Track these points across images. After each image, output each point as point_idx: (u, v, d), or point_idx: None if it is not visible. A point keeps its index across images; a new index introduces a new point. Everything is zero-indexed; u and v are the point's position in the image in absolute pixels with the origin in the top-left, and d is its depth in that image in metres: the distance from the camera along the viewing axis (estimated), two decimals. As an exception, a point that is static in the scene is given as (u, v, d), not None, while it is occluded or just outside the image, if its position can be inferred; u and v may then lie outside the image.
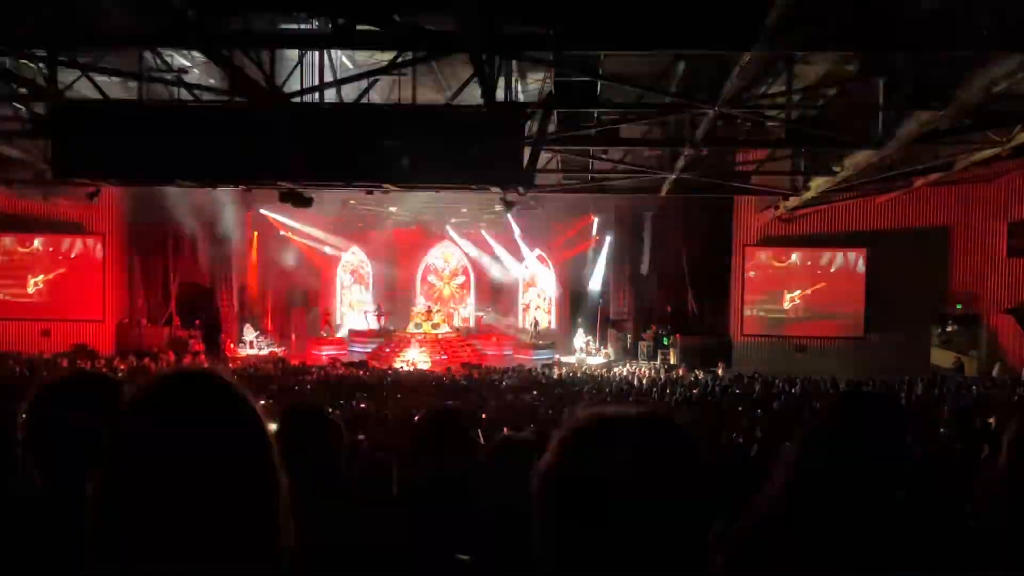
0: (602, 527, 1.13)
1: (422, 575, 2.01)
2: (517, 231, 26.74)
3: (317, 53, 11.53)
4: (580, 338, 26.96)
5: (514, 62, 10.88)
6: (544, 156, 13.97)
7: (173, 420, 1.17)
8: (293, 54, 11.49)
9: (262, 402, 1.28)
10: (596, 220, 26.93)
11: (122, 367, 20.09)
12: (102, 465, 1.16)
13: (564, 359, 26.13)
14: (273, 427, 1.27)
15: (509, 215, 20.00)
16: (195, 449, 1.15)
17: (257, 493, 1.19)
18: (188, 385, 1.23)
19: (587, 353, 26.65)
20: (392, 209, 26.01)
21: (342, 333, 28.46)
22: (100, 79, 11.69)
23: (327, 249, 28.59)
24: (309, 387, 18.19)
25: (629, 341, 27.42)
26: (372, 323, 28.24)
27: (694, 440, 1.25)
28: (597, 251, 27.65)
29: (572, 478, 1.17)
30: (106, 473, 1.16)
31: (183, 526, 1.12)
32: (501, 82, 10.40)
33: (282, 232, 27.23)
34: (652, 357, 25.68)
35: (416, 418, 3.35)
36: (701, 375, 21.68)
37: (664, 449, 1.19)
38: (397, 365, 24.62)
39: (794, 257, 24.13)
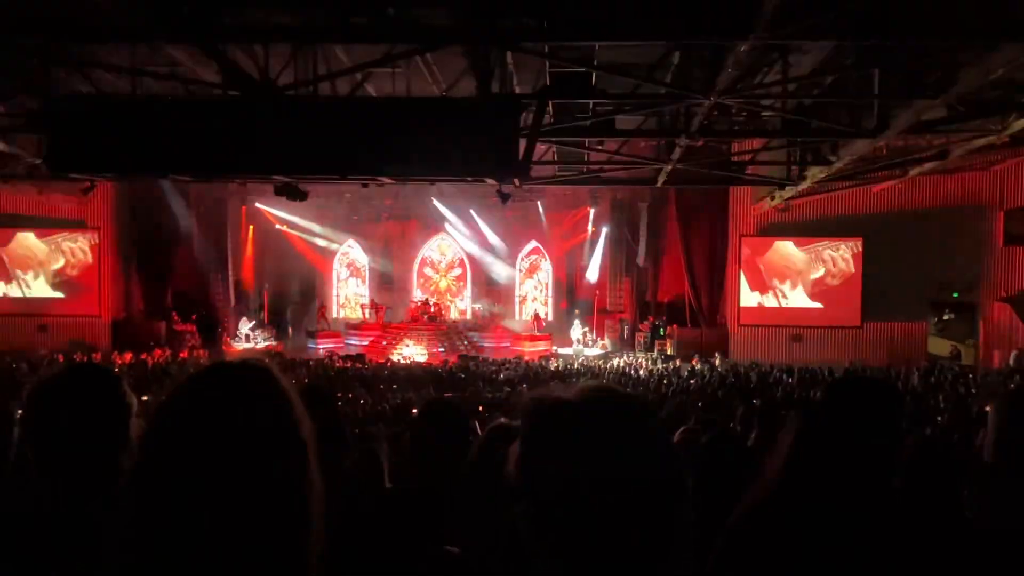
0: (575, 509, 1.14)
1: (411, 569, 2.01)
2: (513, 223, 26.72)
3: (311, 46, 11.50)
4: (577, 329, 26.97)
5: (509, 54, 10.86)
6: (540, 148, 13.96)
7: (215, 413, 1.15)
8: (287, 47, 11.46)
9: None
10: (592, 211, 26.91)
11: (119, 362, 20.10)
12: (138, 457, 1.15)
13: (561, 351, 26.14)
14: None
15: (505, 206, 19.97)
16: (233, 443, 1.13)
17: (294, 493, 1.17)
18: (227, 376, 1.21)
19: (584, 344, 26.66)
20: (388, 202, 25.97)
21: (339, 327, 28.45)
22: (93, 73, 11.66)
23: (323, 242, 28.56)
24: (306, 380, 18.18)
25: (626, 332, 27.43)
26: (369, 316, 28.23)
27: (651, 410, 1.26)
28: (593, 242, 27.66)
29: (538, 460, 1.18)
30: (141, 465, 1.14)
31: (215, 525, 1.09)
32: (496, 74, 10.39)
33: (278, 226, 27.21)
34: (649, 348, 25.69)
35: (415, 411, 3.36)
36: (698, 365, 21.72)
37: (623, 424, 1.20)
38: (394, 358, 24.64)
39: (790, 246, 24.14)
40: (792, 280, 24.20)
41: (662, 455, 1.20)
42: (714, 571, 2.07)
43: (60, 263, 24.97)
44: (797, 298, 24.25)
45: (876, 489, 2.02)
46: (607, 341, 27.24)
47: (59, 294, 24.91)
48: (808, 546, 1.91)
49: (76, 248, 24.92)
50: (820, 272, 24.03)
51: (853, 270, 23.84)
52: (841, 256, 23.93)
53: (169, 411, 1.18)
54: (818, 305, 23.99)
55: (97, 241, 24.82)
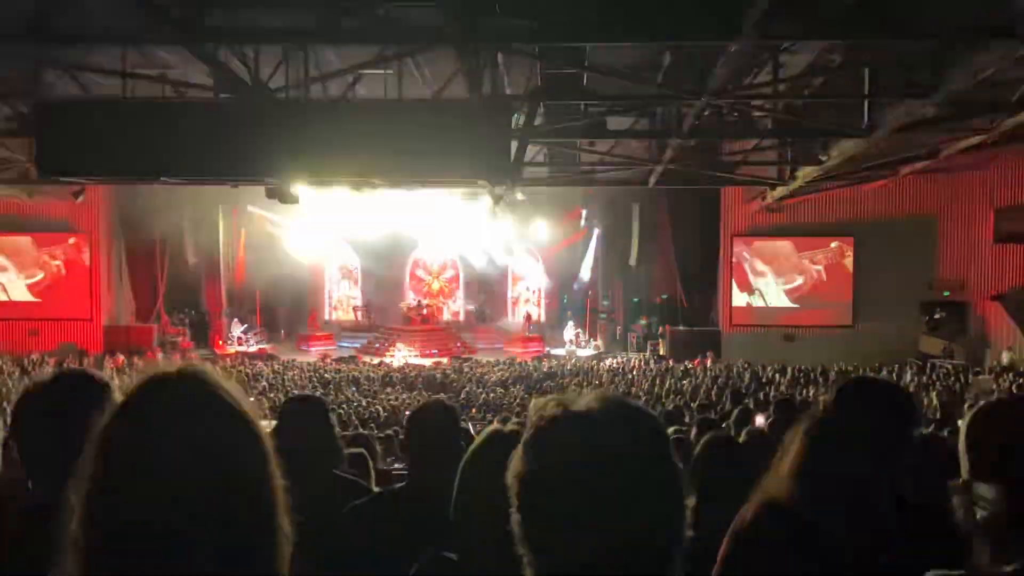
0: (577, 520, 1.12)
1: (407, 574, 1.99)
2: (505, 224, 26.67)
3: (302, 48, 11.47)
4: (570, 330, 26.95)
5: (500, 55, 10.85)
6: (531, 149, 13.96)
7: (152, 427, 1.10)
8: (277, 49, 11.43)
9: (251, 399, 1.23)
10: (584, 212, 26.90)
11: (111, 366, 20.04)
12: (84, 476, 1.10)
13: (554, 351, 26.14)
14: (267, 425, 1.21)
15: (497, 208, 19.94)
16: (176, 457, 1.08)
17: (250, 503, 1.12)
18: (166, 389, 1.15)
19: (577, 345, 26.66)
20: (380, 204, 25.85)
21: (331, 329, 28.38)
22: (83, 76, 11.61)
23: (315, 245, 28.44)
24: (299, 383, 18.15)
25: (619, 332, 27.43)
26: (362, 318, 28.18)
27: (659, 423, 1.24)
28: (586, 243, 27.64)
29: (543, 476, 1.16)
30: (88, 485, 1.09)
31: (167, 543, 1.05)
32: (487, 75, 10.38)
33: (270, 229, 27.11)
34: (642, 348, 25.71)
35: (407, 413, 3.33)
36: (691, 365, 21.74)
37: (630, 437, 1.18)
38: (387, 360, 24.59)
39: (782, 246, 24.17)
40: (785, 282, 24.19)
41: (668, 474, 1.19)
42: (722, 574, 2.06)
43: (51, 267, 24.87)
44: (789, 298, 24.29)
45: (886, 491, 2.00)
46: (600, 341, 27.25)
47: (50, 298, 24.78)
48: (820, 548, 1.89)
49: (67, 252, 24.83)
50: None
51: (844, 269, 23.87)
52: (832, 255, 23.96)
53: (108, 436, 1.12)
54: (810, 305, 24.02)
55: (88, 244, 24.71)
